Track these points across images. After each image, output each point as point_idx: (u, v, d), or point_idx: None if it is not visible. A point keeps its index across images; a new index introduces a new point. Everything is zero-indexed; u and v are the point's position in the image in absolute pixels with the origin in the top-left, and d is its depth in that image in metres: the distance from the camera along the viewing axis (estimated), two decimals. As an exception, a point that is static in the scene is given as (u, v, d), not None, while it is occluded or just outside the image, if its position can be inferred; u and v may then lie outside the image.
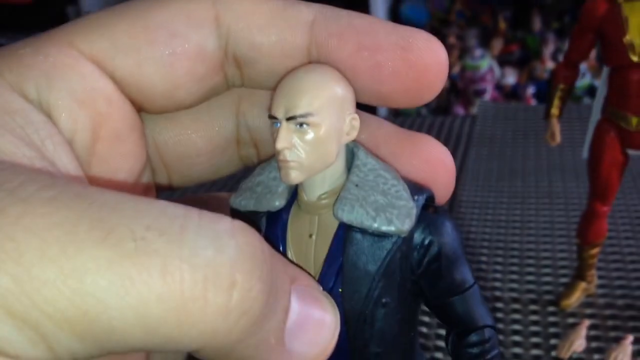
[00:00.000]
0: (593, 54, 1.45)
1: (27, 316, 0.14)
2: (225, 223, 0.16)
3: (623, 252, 0.92)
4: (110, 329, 0.14)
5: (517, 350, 0.75)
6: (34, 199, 0.14)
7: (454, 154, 1.30)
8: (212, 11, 0.21)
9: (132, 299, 0.14)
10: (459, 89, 2.01)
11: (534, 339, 0.76)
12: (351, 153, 0.23)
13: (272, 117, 0.22)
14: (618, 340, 0.73)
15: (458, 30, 2.13)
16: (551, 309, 0.81)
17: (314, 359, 0.19)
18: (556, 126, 0.80)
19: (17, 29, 2.35)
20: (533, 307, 0.82)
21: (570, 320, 0.79)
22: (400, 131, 0.24)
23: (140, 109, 0.22)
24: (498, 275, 0.89)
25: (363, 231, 0.22)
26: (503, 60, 2.06)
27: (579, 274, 0.82)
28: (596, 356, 0.73)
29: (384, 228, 0.22)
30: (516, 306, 0.82)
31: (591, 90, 1.77)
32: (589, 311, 0.80)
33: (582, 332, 0.74)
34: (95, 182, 0.21)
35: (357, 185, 0.22)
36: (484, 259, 0.93)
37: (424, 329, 0.78)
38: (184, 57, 0.21)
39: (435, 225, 0.23)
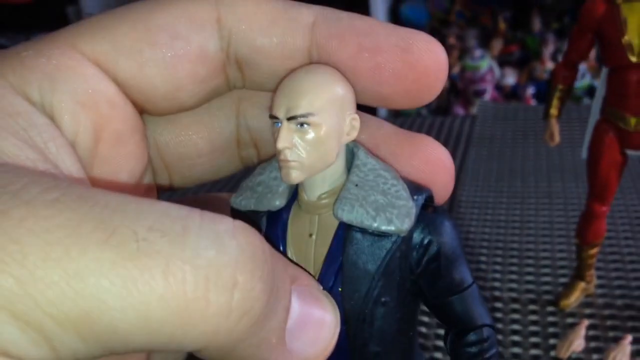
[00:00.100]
0: (593, 54, 1.46)
1: (31, 317, 0.14)
2: (226, 223, 0.16)
3: (622, 252, 0.92)
4: (113, 329, 0.14)
5: (516, 350, 0.75)
6: (37, 201, 0.14)
7: (453, 154, 1.30)
8: (214, 13, 0.22)
9: (135, 300, 0.14)
10: (458, 89, 2.01)
11: (533, 339, 0.76)
12: (351, 153, 0.23)
13: (273, 117, 0.22)
14: (617, 340, 0.73)
15: (458, 31, 2.13)
16: (550, 309, 0.82)
17: (315, 358, 0.19)
18: (555, 126, 0.80)
19: (17, 29, 2.35)
20: (532, 307, 0.82)
21: (570, 320, 0.79)
22: (399, 132, 0.24)
23: (142, 110, 0.22)
24: (497, 275, 0.89)
25: (363, 231, 0.22)
26: (503, 61, 2.06)
27: (578, 274, 0.82)
28: (595, 356, 0.73)
29: (384, 227, 0.22)
30: (515, 306, 0.83)
31: (591, 91, 1.77)
32: (588, 311, 0.80)
33: (581, 332, 0.74)
34: (98, 183, 0.21)
35: (357, 185, 0.22)
36: (483, 259, 0.93)
37: (423, 329, 0.78)
38: (185, 59, 0.21)
39: (434, 225, 0.23)
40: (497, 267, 0.91)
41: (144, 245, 0.14)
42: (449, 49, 2.04)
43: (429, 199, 0.23)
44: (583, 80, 1.83)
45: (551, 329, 0.78)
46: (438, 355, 0.75)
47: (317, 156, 0.22)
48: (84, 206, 0.15)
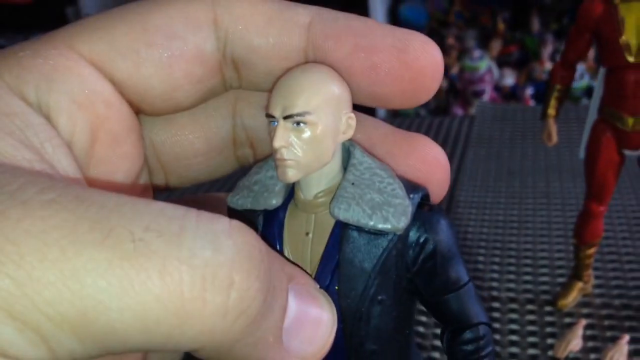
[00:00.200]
0: (591, 54, 1.46)
1: (28, 318, 0.14)
2: (223, 223, 0.16)
3: (620, 252, 0.93)
4: (110, 329, 0.14)
5: (514, 349, 0.75)
6: (33, 201, 0.15)
7: (452, 154, 1.30)
8: (210, 13, 0.22)
9: (132, 300, 0.14)
10: (457, 89, 2.01)
11: (531, 339, 0.77)
12: (347, 152, 0.24)
13: (269, 116, 0.22)
14: (614, 340, 0.73)
15: (457, 31, 2.13)
16: (548, 308, 0.82)
17: (312, 357, 0.19)
18: (553, 127, 0.80)
19: (16, 30, 2.35)
20: (530, 306, 0.82)
21: (567, 320, 0.79)
22: (396, 131, 0.25)
23: (138, 110, 0.22)
24: (495, 275, 0.89)
25: (359, 229, 0.22)
26: (502, 61, 2.06)
27: (576, 274, 0.82)
28: (592, 356, 0.73)
29: (380, 226, 0.22)
30: (513, 306, 0.83)
31: (589, 91, 1.77)
32: (585, 311, 0.81)
33: (579, 331, 0.74)
34: (94, 184, 0.21)
35: (353, 184, 0.22)
36: (481, 258, 0.93)
37: (421, 329, 0.79)
38: (182, 59, 0.21)
39: (430, 223, 0.23)
40: (495, 267, 0.91)
41: (140, 245, 0.14)
42: (447, 49, 2.04)
43: (425, 197, 0.23)
44: (582, 81, 1.83)
45: (549, 329, 0.78)
46: (436, 354, 0.75)
47: (313, 155, 0.22)
48: (80, 206, 0.15)
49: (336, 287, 0.22)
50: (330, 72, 0.22)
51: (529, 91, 1.95)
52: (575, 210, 0.96)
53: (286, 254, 0.23)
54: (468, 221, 1.04)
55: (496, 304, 0.83)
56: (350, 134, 0.23)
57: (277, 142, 0.22)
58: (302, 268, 0.22)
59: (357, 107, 0.23)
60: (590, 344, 0.75)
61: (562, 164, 1.21)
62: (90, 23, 0.21)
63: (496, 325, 0.79)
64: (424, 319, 0.80)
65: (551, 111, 0.79)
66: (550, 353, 0.74)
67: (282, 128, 0.22)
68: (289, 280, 0.18)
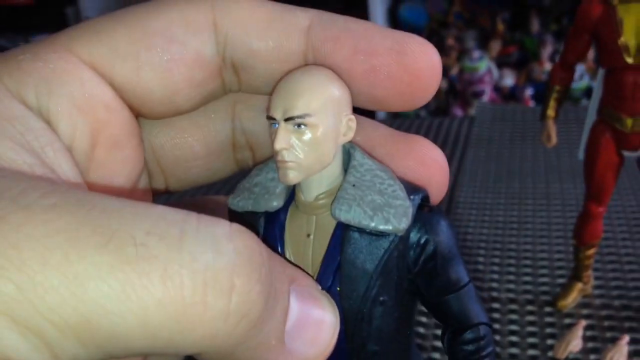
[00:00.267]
0: (591, 55, 1.46)
1: (31, 323, 0.14)
2: (223, 227, 0.16)
3: (619, 252, 0.93)
4: (113, 334, 0.14)
5: (514, 350, 0.75)
6: (35, 206, 0.15)
7: (451, 155, 1.30)
8: (210, 17, 0.22)
9: (134, 305, 0.14)
10: (457, 90, 2.01)
11: (531, 340, 0.77)
12: (347, 154, 0.24)
13: (270, 118, 0.22)
14: (614, 340, 0.74)
15: (456, 32, 2.14)
16: (548, 309, 0.82)
17: (315, 358, 0.19)
18: (552, 128, 0.80)
19: (16, 30, 2.35)
20: (530, 307, 0.82)
21: (567, 320, 0.79)
22: (395, 133, 0.25)
23: (138, 114, 0.23)
24: (495, 276, 0.89)
25: (361, 230, 0.22)
26: (501, 62, 2.06)
27: (576, 275, 0.82)
28: (592, 356, 0.73)
29: (382, 227, 0.22)
30: (513, 307, 0.83)
31: (589, 92, 1.77)
32: (585, 312, 0.81)
33: (579, 332, 0.74)
34: (94, 188, 0.21)
35: (354, 185, 0.23)
36: (481, 259, 0.93)
37: (421, 330, 0.79)
38: (182, 63, 0.22)
39: (430, 224, 0.23)
40: (495, 268, 0.91)
41: (142, 249, 0.14)
42: (447, 50, 2.04)
43: (425, 198, 0.24)
44: (581, 82, 1.83)
45: (549, 330, 0.78)
46: (436, 355, 0.75)
47: (314, 157, 0.22)
48: (82, 210, 0.15)
49: (338, 288, 0.22)
50: (331, 74, 0.22)
51: (529, 92, 1.95)
52: (574, 211, 0.96)
53: (288, 255, 0.23)
54: (468, 222, 1.04)
55: (496, 305, 0.83)
56: (350, 136, 0.23)
57: (278, 144, 0.22)
58: (303, 270, 0.22)
59: (356, 110, 0.23)
60: (590, 344, 0.75)
61: (561, 164, 1.21)
62: (90, 26, 0.21)
63: (496, 326, 0.79)
64: (424, 319, 0.80)
65: (550, 112, 0.79)
66: (550, 354, 0.74)
67: (283, 130, 0.22)
68: (290, 283, 0.18)
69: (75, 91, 0.20)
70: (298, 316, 0.18)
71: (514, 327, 0.79)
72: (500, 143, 1.35)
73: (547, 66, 1.93)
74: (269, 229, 0.24)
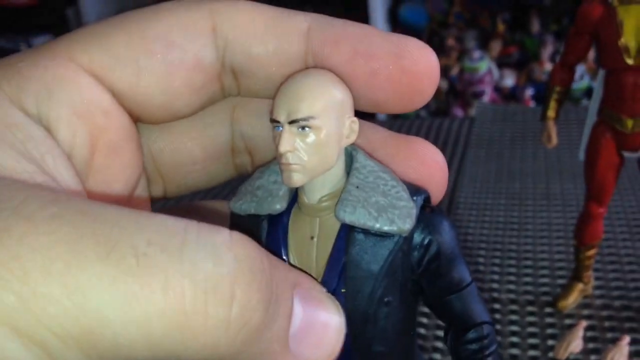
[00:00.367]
0: (591, 55, 1.46)
1: (34, 334, 0.14)
2: (223, 235, 0.16)
3: (620, 253, 0.93)
4: (115, 345, 0.14)
5: (515, 351, 0.75)
6: (36, 216, 0.15)
7: (452, 155, 1.30)
8: (209, 22, 0.22)
9: (136, 315, 0.14)
10: (457, 90, 2.01)
11: (532, 340, 0.77)
12: (350, 156, 0.24)
13: (273, 121, 0.22)
14: (615, 341, 0.73)
15: (457, 32, 2.14)
16: (548, 310, 0.82)
17: None
18: (552, 128, 0.80)
19: (16, 31, 2.35)
20: (530, 308, 0.82)
21: (568, 321, 0.79)
22: (394, 135, 0.25)
23: (137, 119, 0.23)
24: (495, 277, 0.89)
25: (365, 232, 0.22)
26: (502, 62, 2.06)
27: (576, 275, 0.82)
28: (593, 357, 0.73)
29: (387, 228, 0.22)
30: (513, 307, 0.83)
31: (590, 92, 1.77)
32: (586, 312, 0.81)
33: (579, 333, 0.74)
34: (94, 195, 0.21)
35: (357, 187, 0.23)
36: (481, 260, 0.93)
37: (422, 330, 0.79)
38: (182, 68, 0.22)
39: (433, 225, 0.23)
40: (496, 269, 0.91)
41: (143, 260, 0.15)
42: (447, 50, 2.04)
43: (427, 199, 0.24)
44: (582, 82, 1.83)
45: (549, 330, 0.78)
46: (437, 356, 0.75)
47: (318, 159, 0.22)
48: (83, 220, 0.15)
49: (343, 290, 0.23)
50: (333, 77, 0.22)
51: (529, 92, 1.95)
52: (575, 212, 0.96)
53: (291, 258, 0.23)
54: (468, 222, 1.04)
55: (496, 306, 0.83)
56: (353, 138, 0.23)
57: (283, 147, 0.22)
58: (308, 272, 0.22)
59: (355, 113, 0.23)
60: (591, 345, 0.75)
61: (562, 165, 1.21)
62: (89, 32, 0.21)
63: (496, 326, 0.79)
64: (425, 320, 0.80)
65: (551, 113, 0.79)
66: (550, 354, 0.74)
67: (288, 133, 0.22)
68: (293, 287, 0.18)
69: (74, 98, 0.20)
70: (302, 320, 0.18)
71: (514, 328, 0.79)
72: (500, 143, 1.35)
73: (548, 66, 1.93)
74: (272, 231, 0.24)
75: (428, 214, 0.23)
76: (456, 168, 1.25)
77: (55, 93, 0.20)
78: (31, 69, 0.20)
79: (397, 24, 2.19)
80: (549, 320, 0.80)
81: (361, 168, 0.23)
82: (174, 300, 0.15)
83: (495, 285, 0.87)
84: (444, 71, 2.00)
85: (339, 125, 0.22)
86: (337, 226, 0.23)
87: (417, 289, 0.24)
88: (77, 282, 0.14)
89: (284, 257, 0.23)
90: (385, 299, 0.23)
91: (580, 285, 0.82)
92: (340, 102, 0.22)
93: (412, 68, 0.22)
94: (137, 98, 0.22)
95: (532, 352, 0.75)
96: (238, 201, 0.24)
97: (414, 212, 0.23)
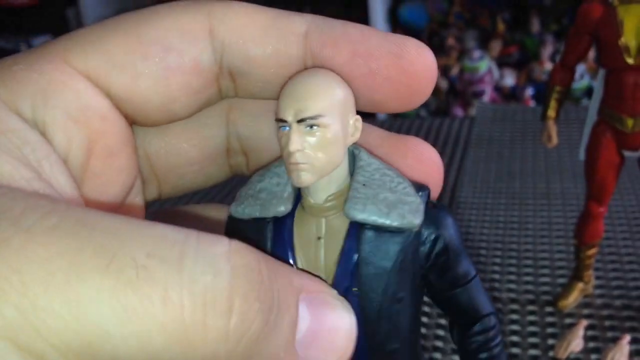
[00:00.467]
0: (592, 55, 1.46)
1: (33, 347, 0.14)
2: (222, 246, 0.16)
3: (620, 252, 0.93)
4: (115, 357, 0.14)
5: (515, 350, 0.75)
6: (36, 228, 0.15)
7: (452, 155, 1.30)
8: (206, 24, 0.22)
9: (135, 328, 0.14)
10: (457, 90, 2.01)
11: (532, 339, 0.77)
12: (352, 155, 0.24)
13: (280, 121, 0.22)
14: (615, 340, 0.74)
15: (457, 32, 2.14)
16: (549, 309, 0.82)
17: None
18: (552, 128, 0.80)
19: (16, 31, 2.35)
20: (531, 307, 0.82)
21: (568, 320, 0.79)
22: (390, 134, 0.25)
23: (133, 122, 0.22)
24: (496, 276, 0.89)
25: (376, 228, 0.22)
26: (502, 62, 2.06)
27: (577, 275, 0.82)
28: (593, 356, 0.73)
29: (399, 223, 0.22)
30: (514, 306, 0.83)
31: (590, 92, 1.77)
32: (586, 311, 0.81)
33: (580, 332, 0.74)
34: (90, 203, 0.21)
35: (364, 185, 0.23)
36: (482, 259, 0.93)
37: (423, 329, 0.79)
38: (179, 71, 0.21)
39: (439, 220, 0.24)
40: (496, 268, 0.91)
41: (142, 272, 0.15)
42: (447, 50, 2.04)
43: (428, 195, 0.24)
44: (582, 81, 1.83)
45: (550, 330, 0.78)
46: (437, 355, 0.75)
47: (327, 158, 0.22)
48: (82, 232, 0.15)
49: (355, 289, 0.23)
50: (336, 76, 0.22)
51: (529, 92, 1.95)
52: (575, 211, 0.96)
53: (299, 260, 0.23)
54: (469, 222, 1.04)
55: (497, 305, 0.83)
56: (357, 136, 0.23)
57: (293, 146, 0.22)
58: (316, 274, 0.22)
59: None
60: (591, 344, 0.75)
61: (562, 164, 1.21)
62: (85, 35, 0.21)
63: (497, 326, 0.79)
64: (425, 319, 0.80)
65: (551, 113, 0.79)
66: (551, 354, 0.74)
67: (296, 132, 0.22)
68: (299, 292, 0.18)
69: (71, 103, 0.20)
70: (310, 325, 0.18)
71: (515, 327, 0.79)
72: (500, 143, 1.35)
73: (548, 66, 1.94)
74: (277, 234, 0.24)
75: (432, 209, 0.24)
76: (456, 168, 1.25)
77: (51, 98, 0.19)
78: (27, 73, 0.19)
79: (397, 24, 2.19)
80: (549, 319, 0.80)
81: (366, 166, 0.23)
82: (174, 313, 0.15)
83: (495, 285, 0.87)
84: (444, 71, 2.01)
85: (344, 123, 0.22)
86: (344, 225, 0.23)
87: (424, 284, 0.24)
88: (76, 295, 0.14)
89: (291, 260, 0.23)
90: (398, 296, 0.23)
91: (580, 285, 0.82)
92: (345, 101, 0.22)
93: (411, 68, 0.22)
94: (134, 102, 0.21)
95: (532, 351, 0.75)
96: (240, 205, 0.24)
97: (421, 207, 0.23)
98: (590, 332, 0.76)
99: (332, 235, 0.23)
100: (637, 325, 0.77)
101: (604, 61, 0.73)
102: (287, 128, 0.22)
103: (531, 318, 0.80)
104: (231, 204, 0.24)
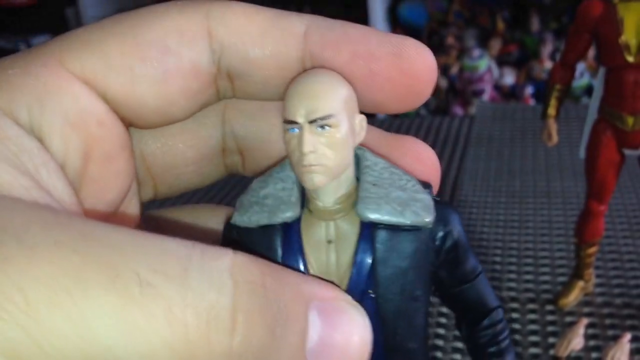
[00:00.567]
0: (591, 53, 1.46)
1: None
2: (226, 260, 0.16)
3: (621, 251, 0.93)
4: None
5: (516, 349, 0.75)
6: (39, 243, 0.14)
7: (452, 154, 1.30)
8: (204, 26, 0.21)
9: (140, 346, 0.14)
10: (457, 89, 2.01)
11: (532, 338, 0.77)
12: (355, 156, 0.24)
13: (290, 122, 0.22)
14: (616, 338, 0.73)
15: (456, 31, 2.13)
16: (549, 307, 0.82)
17: None
18: (553, 126, 0.80)
19: (16, 31, 2.35)
20: (531, 306, 0.82)
21: (569, 319, 0.79)
22: (388, 134, 0.25)
23: (130, 124, 0.22)
24: (496, 275, 0.89)
25: (389, 228, 0.22)
26: (501, 61, 2.06)
27: (577, 273, 0.82)
28: (594, 354, 0.73)
29: (413, 221, 0.22)
30: (514, 305, 0.83)
31: (590, 90, 1.77)
32: (586, 310, 0.81)
33: (580, 330, 0.74)
34: (89, 213, 0.21)
35: (374, 185, 0.22)
36: (482, 258, 0.93)
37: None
38: (177, 74, 0.21)
39: (446, 216, 0.23)
40: (496, 267, 0.91)
41: (146, 288, 0.14)
42: (447, 49, 2.04)
43: (431, 193, 0.24)
44: (582, 80, 1.83)
45: (550, 328, 0.78)
46: (438, 354, 0.75)
47: (339, 158, 0.22)
48: (85, 247, 0.15)
49: (372, 290, 0.22)
50: (339, 76, 0.22)
51: (529, 90, 1.95)
52: (576, 210, 0.96)
53: (310, 265, 0.23)
54: (469, 221, 1.04)
55: (497, 304, 0.83)
56: (363, 135, 0.23)
57: (307, 147, 0.21)
58: (329, 280, 0.22)
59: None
60: (592, 342, 0.75)
61: (562, 162, 1.21)
62: (81, 37, 0.21)
63: (497, 324, 0.79)
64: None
65: (551, 111, 0.79)
66: (551, 352, 0.74)
67: (309, 132, 0.21)
68: (309, 300, 0.18)
69: (68, 108, 0.19)
70: (321, 334, 0.17)
71: (515, 326, 0.79)
72: (500, 141, 1.35)
73: (547, 64, 1.93)
74: (286, 241, 0.23)
75: (438, 205, 0.23)
76: (456, 166, 1.25)
77: (47, 103, 0.19)
78: (22, 77, 0.19)
79: (397, 23, 2.19)
80: (549, 317, 0.80)
81: (373, 165, 0.23)
82: (178, 330, 0.14)
83: (496, 283, 0.87)
84: (444, 70, 2.00)
85: (351, 122, 0.22)
86: (355, 227, 0.23)
87: (434, 280, 0.24)
88: (81, 313, 0.14)
89: (302, 266, 0.23)
90: (415, 294, 0.23)
91: (581, 283, 0.82)
92: (350, 100, 0.22)
93: (411, 68, 0.22)
94: (131, 105, 0.21)
95: (533, 350, 0.75)
96: (244, 214, 0.23)
97: (432, 204, 0.23)
98: (590, 331, 0.76)
99: (342, 238, 0.23)
100: (638, 324, 0.77)
101: (604, 59, 0.73)
102: (296, 130, 0.22)
103: (532, 316, 0.80)
104: (233, 214, 0.23)
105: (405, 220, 0.22)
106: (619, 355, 0.70)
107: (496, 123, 1.46)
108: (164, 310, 0.14)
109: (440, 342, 0.77)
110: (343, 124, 0.22)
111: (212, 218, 0.26)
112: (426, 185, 0.23)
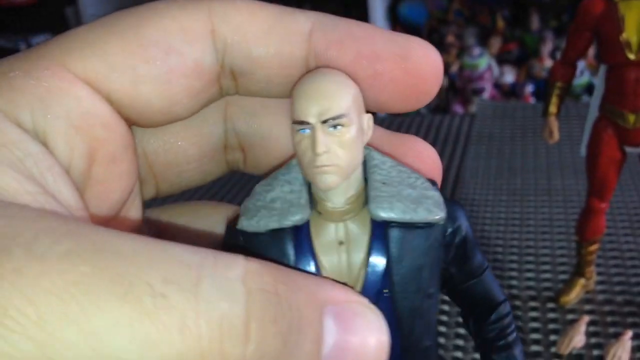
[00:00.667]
0: (591, 52, 1.46)
1: None
2: (238, 268, 0.16)
3: (622, 248, 0.93)
4: None
5: (517, 346, 0.75)
6: (50, 255, 0.14)
7: (452, 152, 1.30)
8: (207, 24, 0.21)
9: (153, 358, 0.14)
10: (457, 87, 2.01)
11: (534, 335, 0.77)
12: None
13: (301, 123, 0.21)
14: (617, 336, 0.74)
15: (456, 29, 2.13)
16: (550, 305, 0.82)
17: None
18: (554, 124, 0.80)
19: (15, 30, 2.35)
20: (532, 303, 0.83)
21: (570, 316, 0.79)
22: (389, 133, 0.25)
23: (133, 124, 0.22)
24: (497, 272, 0.89)
25: (402, 226, 0.22)
26: (501, 59, 2.06)
27: (578, 271, 0.82)
28: (595, 352, 0.73)
29: (427, 218, 0.22)
30: (516, 303, 0.83)
31: (590, 88, 1.77)
32: (588, 307, 0.81)
33: (582, 328, 0.74)
34: (95, 219, 0.21)
35: (384, 183, 0.22)
36: (483, 256, 0.93)
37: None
38: (181, 73, 0.21)
39: (454, 212, 0.23)
40: (497, 264, 0.91)
41: (159, 300, 0.14)
42: (447, 47, 2.04)
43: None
44: (582, 78, 1.83)
45: (551, 326, 0.78)
46: (440, 352, 0.75)
47: (351, 157, 0.22)
48: (96, 257, 0.14)
49: (386, 291, 0.22)
50: (345, 75, 0.22)
51: (529, 88, 1.95)
52: (577, 207, 0.96)
53: (322, 268, 0.23)
54: (470, 219, 1.04)
55: (499, 302, 0.83)
56: (370, 134, 0.23)
57: (320, 148, 0.21)
58: (340, 280, 0.22)
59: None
60: (593, 340, 0.75)
61: (563, 160, 1.21)
62: (82, 37, 0.20)
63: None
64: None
65: (552, 109, 0.79)
66: (553, 349, 0.74)
67: (322, 133, 0.21)
68: (323, 305, 0.17)
69: (71, 110, 0.19)
70: (337, 338, 0.17)
71: (517, 323, 0.79)
72: (501, 140, 1.35)
73: (548, 63, 1.93)
74: (297, 244, 0.23)
75: (446, 202, 0.23)
76: (457, 165, 1.25)
77: (51, 106, 0.19)
78: (24, 80, 0.19)
79: (397, 21, 2.19)
80: (551, 315, 0.80)
81: (381, 164, 0.23)
82: (191, 341, 0.14)
83: (497, 281, 0.87)
84: (444, 68, 2.00)
85: (360, 121, 0.22)
86: (365, 227, 0.22)
87: (444, 277, 0.24)
88: (93, 326, 0.14)
89: (315, 269, 0.23)
90: (429, 291, 0.23)
91: (582, 281, 0.82)
92: (358, 99, 0.22)
93: (417, 69, 0.22)
94: (135, 105, 0.21)
95: (534, 347, 0.75)
96: (252, 218, 0.22)
97: (442, 200, 0.22)
98: (592, 328, 0.76)
99: (354, 239, 0.22)
100: (639, 321, 0.77)
101: (605, 57, 0.73)
102: (307, 131, 0.21)
103: (533, 314, 0.81)
104: (239, 219, 0.23)
105: (419, 217, 0.22)
106: (620, 352, 0.70)
107: (496, 121, 1.46)
108: (178, 322, 0.14)
109: (441, 340, 0.77)
110: (354, 123, 0.21)
111: (214, 215, 0.26)
112: (432, 182, 0.23)
